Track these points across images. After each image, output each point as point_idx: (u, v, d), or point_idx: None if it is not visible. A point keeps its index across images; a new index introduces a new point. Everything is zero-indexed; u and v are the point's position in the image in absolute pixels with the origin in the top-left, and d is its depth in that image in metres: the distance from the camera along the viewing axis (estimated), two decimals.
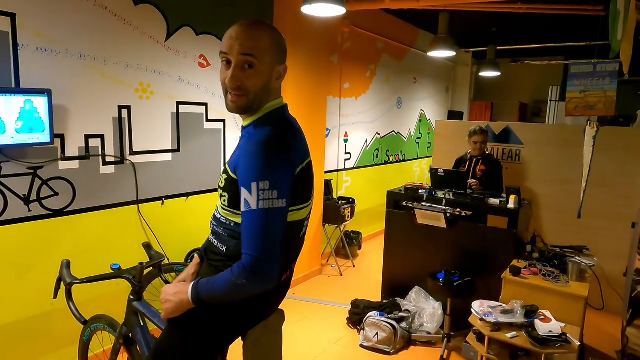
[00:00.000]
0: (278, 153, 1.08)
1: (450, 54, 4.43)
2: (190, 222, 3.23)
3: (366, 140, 5.36)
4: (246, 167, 1.06)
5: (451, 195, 3.31)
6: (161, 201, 3.01)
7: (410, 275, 3.43)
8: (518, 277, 2.63)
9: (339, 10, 2.78)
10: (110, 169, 2.70)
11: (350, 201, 4.56)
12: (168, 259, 3.05)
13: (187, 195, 3.18)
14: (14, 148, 2.24)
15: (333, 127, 4.74)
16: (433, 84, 6.94)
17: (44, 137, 2.29)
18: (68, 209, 2.51)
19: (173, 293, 1.19)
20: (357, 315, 3.32)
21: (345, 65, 4.78)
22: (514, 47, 6.46)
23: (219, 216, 1.24)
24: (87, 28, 2.49)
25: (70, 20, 2.41)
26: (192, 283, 1.16)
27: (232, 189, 1.13)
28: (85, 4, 2.47)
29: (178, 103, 3.04)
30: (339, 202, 4.51)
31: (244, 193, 1.05)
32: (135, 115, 2.79)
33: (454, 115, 7.50)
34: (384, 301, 3.40)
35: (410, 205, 3.25)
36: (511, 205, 3.04)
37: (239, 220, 1.14)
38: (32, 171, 2.34)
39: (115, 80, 2.66)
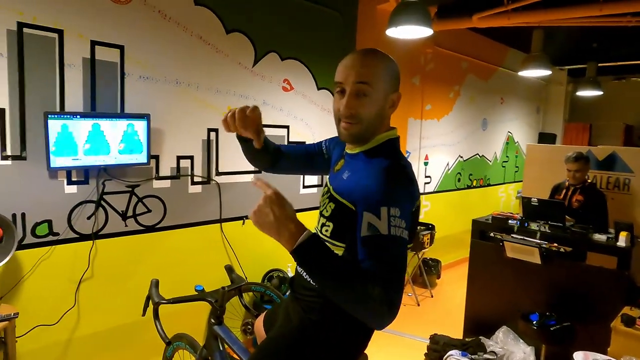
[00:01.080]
0: (404, 184, 1.05)
1: (545, 72, 4.11)
2: (268, 243, 3.26)
3: (448, 163, 5.12)
4: (373, 191, 1.01)
5: (547, 227, 3.00)
6: (242, 220, 3.09)
7: (497, 312, 3.14)
8: (632, 328, 2.28)
9: (426, 32, 2.70)
10: (198, 188, 2.83)
11: (429, 227, 4.36)
12: (246, 278, 3.11)
13: None
14: (116, 168, 2.43)
15: (413, 150, 4.60)
16: (522, 104, 6.49)
17: (141, 158, 2.46)
18: (159, 225, 2.67)
19: (286, 216, 1.02)
20: (437, 352, 3.10)
21: (427, 87, 4.64)
22: (619, 63, 5.84)
23: None
24: (183, 57, 2.66)
25: (169, 50, 2.59)
26: (314, 232, 1.05)
27: (339, 219, 1.12)
28: (183, 35, 2.65)
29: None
30: (418, 227, 4.32)
31: (368, 217, 0.97)
32: (222, 137, 2.91)
33: (545, 137, 6.94)
34: (467, 339, 3.15)
35: (498, 236, 3.00)
36: (622, 243, 2.68)
37: (340, 252, 1.11)
38: (130, 189, 2.53)
39: (206, 104, 2.80)
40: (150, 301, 1.55)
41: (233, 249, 3.04)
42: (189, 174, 2.78)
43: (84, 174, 2.35)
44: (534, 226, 3.03)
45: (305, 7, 3.31)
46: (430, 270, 4.66)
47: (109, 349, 2.52)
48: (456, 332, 3.37)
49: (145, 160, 2.47)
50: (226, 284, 1.75)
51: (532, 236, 2.94)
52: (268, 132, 3.17)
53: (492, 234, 3.08)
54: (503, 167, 6.24)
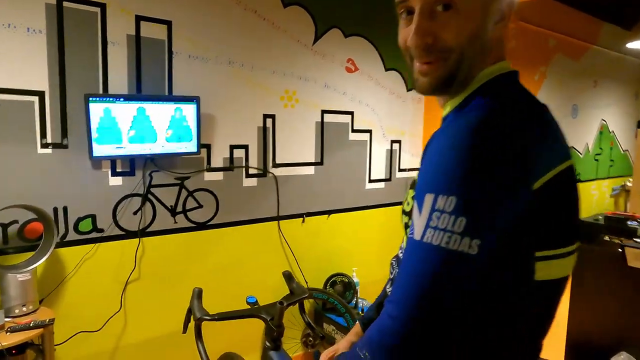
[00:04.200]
0: (491, 152, 0.57)
1: None
2: (330, 244, 2.91)
3: None
4: (426, 170, 0.62)
5: None
6: (302, 218, 2.75)
7: (612, 334, 2.54)
8: None
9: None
10: (253, 181, 2.53)
11: None
12: (307, 284, 2.77)
13: (328, 212, 2.88)
14: (164, 158, 2.19)
15: None
16: (619, 88, 5.62)
17: (191, 146, 2.19)
18: (211, 222, 2.40)
19: None
20: None
21: None
22: None
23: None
24: (236, 34, 2.37)
25: (220, 26, 2.31)
26: None
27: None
28: (236, 9, 2.35)
29: (323, 112, 2.78)
30: None
31: (414, 210, 0.61)
32: (280, 124, 2.59)
33: None
34: None
35: (616, 241, 2.41)
36: None
37: None
38: (179, 182, 2.27)
39: (261, 87, 2.50)
40: (192, 316, 1.23)
41: (292, 250, 2.71)
42: (243, 165, 2.48)
43: (130, 165, 2.12)
44: None
45: None
46: None
47: (159, 358, 2.28)
48: (556, 355, 2.81)
49: (195, 150, 2.20)
50: (284, 292, 1.40)
51: None
52: (330, 118, 2.81)
53: (606, 238, 2.50)
54: (596, 160, 5.43)
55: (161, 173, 2.21)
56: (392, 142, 3.19)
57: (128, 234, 2.14)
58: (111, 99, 1.95)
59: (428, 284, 0.55)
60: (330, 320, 2.70)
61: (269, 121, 2.55)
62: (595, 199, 5.51)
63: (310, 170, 2.76)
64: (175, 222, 2.28)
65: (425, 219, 0.57)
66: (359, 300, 2.84)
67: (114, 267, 2.12)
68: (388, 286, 0.90)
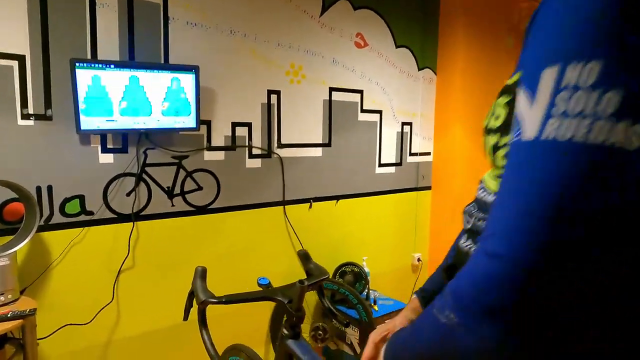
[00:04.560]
0: None
1: None
2: (339, 231, 2.72)
3: None
4: (540, 37, 0.41)
5: None
6: (309, 203, 2.56)
7: None
8: None
9: None
10: (257, 162, 2.33)
11: None
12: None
13: (337, 198, 2.69)
14: (160, 133, 1.99)
15: None
16: None
17: (189, 121, 1.99)
18: (212, 206, 2.20)
19: None
20: None
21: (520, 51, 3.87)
22: None
23: (488, 198, 0.63)
24: (238, 1, 2.17)
25: None
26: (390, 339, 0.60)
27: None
28: None
29: (331, 89, 2.58)
30: None
31: (520, 102, 0.41)
32: (285, 101, 2.40)
33: None
34: None
35: None
36: None
37: None
38: (177, 161, 2.07)
39: (265, 60, 2.30)
40: (195, 299, 1.04)
41: (299, 238, 2.52)
42: (246, 144, 2.29)
43: (122, 140, 1.92)
44: None
45: None
46: None
47: (156, 355, 2.09)
48: None
49: (194, 125, 2.00)
50: (291, 280, 1.21)
51: None
52: (338, 97, 2.62)
53: None
54: None
55: (157, 151, 2.01)
56: (403, 124, 3.00)
57: (120, 218, 1.94)
58: (100, 66, 1.75)
59: (557, 200, 0.35)
60: (340, 312, 2.51)
61: (273, 98, 2.36)
62: None
63: (318, 152, 2.57)
64: (173, 205, 2.08)
65: (545, 106, 0.37)
66: (371, 291, 2.66)
67: (105, 254, 1.92)
68: (463, 240, 0.70)
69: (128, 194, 1.95)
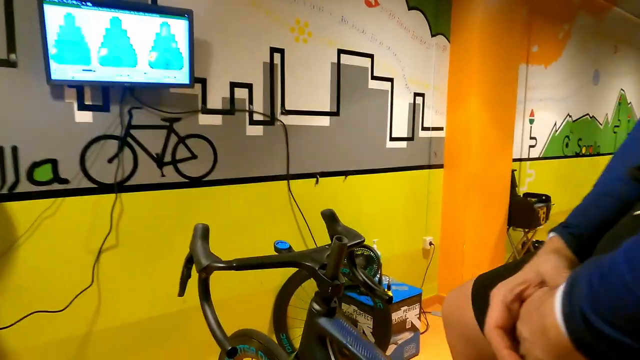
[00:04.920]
0: None
1: None
2: (349, 210, 2.46)
3: (555, 123, 4.09)
4: None
5: None
6: (316, 178, 2.30)
7: None
8: None
9: None
10: (258, 129, 2.06)
11: (543, 199, 3.38)
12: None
13: (345, 173, 2.43)
14: (146, 89, 1.71)
15: (517, 102, 3.62)
16: (637, 56, 5.28)
17: (182, 77, 1.71)
18: (207, 178, 1.92)
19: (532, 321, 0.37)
20: None
21: (535, 21, 3.65)
22: None
23: None
24: None
25: None
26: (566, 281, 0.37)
27: None
28: None
29: (340, 51, 2.32)
30: (530, 199, 3.36)
31: None
32: (290, 62, 2.13)
33: None
34: None
35: None
36: None
37: None
38: (168, 124, 1.79)
39: (267, 13, 2.02)
40: (195, 266, 0.77)
41: (303, 215, 2.25)
42: (247, 108, 2.01)
43: (102, 96, 1.63)
44: None
45: None
46: None
47: (143, 349, 1.81)
48: None
49: (187, 82, 1.72)
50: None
51: None
52: (347, 60, 2.35)
53: None
54: (614, 132, 5.09)
55: (144, 111, 1.73)
56: (415, 95, 2.75)
57: (102, 188, 1.66)
58: (74, 2, 1.46)
59: None
60: (351, 299, 2.26)
61: (276, 57, 2.08)
62: None
63: (325, 121, 2.31)
64: (163, 176, 1.80)
65: None
66: (383, 277, 2.41)
67: (84, 230, 1.64)
68: None
69: (110, 160, 1.67)
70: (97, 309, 1.68)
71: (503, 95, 3.03)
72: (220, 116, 1.93)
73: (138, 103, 1.70)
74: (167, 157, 1.81)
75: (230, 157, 1.98)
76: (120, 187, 1.69)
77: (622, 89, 5.09)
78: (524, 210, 3.21)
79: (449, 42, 2.89)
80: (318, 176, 2.30)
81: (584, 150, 4.55)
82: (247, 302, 2.10)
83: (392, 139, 2.65)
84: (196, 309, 1.95)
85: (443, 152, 2.99)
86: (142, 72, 1.62)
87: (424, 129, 2.83)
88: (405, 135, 2.72)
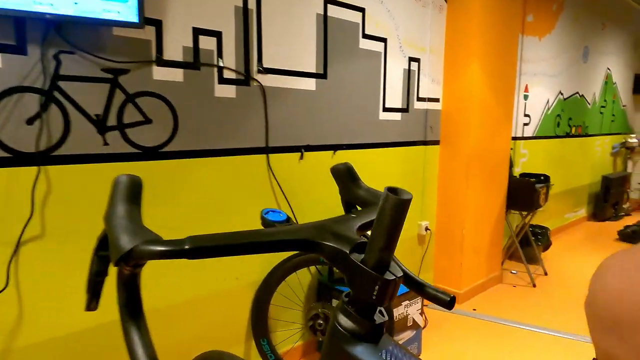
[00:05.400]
0: None
1: None
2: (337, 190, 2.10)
3: (548, 101, 3.86)
4: None
5: None
6: (300, 153, 1.93)
7: None
8: None
9: None
10: (230, 90, 1.67)
11: (542, 179, 3.13)
12: None
13: (334, 148, 2.07)
14: (79, 27, 1.29)
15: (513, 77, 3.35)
16: (622, 35, 5.14)
17: (127, 12, 1.30)
18: (166, 149, 1.52)
19: None
20: None
21: None
22: None
23: None
24: None
25: None
26: None
27: None
28: None
29: (326, 0, 1.95)
30: (531, 179, 3.10)
31: None
32: (268, 8, 1.74)
33: None
34: None
35: None
36: None
37: None
38: (111, 76, 1.38)
39: None
40: (110, 253, 0.39)
41: (285, 196, 1.89)
42: (215, 63, 1.62)
43: (15, 32, 1.20)
44: None
45: None
46: (536, 239, 3.45)
47: None
48: None
49: (134, 19, 1.31)
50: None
51: None
52: (335, 12, 1.97)
53: None
54: (601, 113, 4.94)
55: (77, 57, 1.31)
56: (411, 59, 2.41)
57: (18, 158, 1.24)
58: None
59: None
60: (342, 294, 1.91)
61: (251, 0, 1.69)
62: (598, 155, 5.04)
63: (311, 84, 1.94)
64: (107, 144, 1.39)
65: None
66: None
67: None
68: None
69: (30, 122, 1.25)
70: (17, 319, 1.26)
71: (503, 63, 2.74)
72: (181, 70, 1.53)
73: (68, 45, 1.28)
74: (112, 120, 1.39)
75: (195, 124, 1.58)
76: (44, 157, 1.27)
77: (608, 68, 4.94)
78: (524, 192, 2.95)
79: (446, 1, 2.57)
80: (303, 150, 1.93)
81: (573, 131, 4.36)
82: (217, 304, 1.72)
83: (385, 109, 2.31)
84: (151, 313, 1.56)
85: (439, 127, 2.67)
86: (71, 1, 1.20)
87: (419, 99, 2.50)
88: (399, 105, 2.39)
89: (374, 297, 0.40)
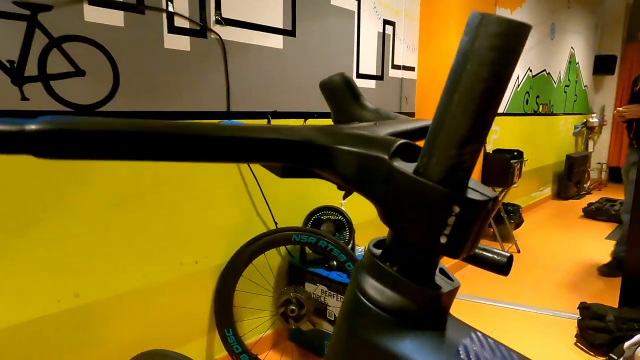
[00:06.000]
0: None
1: None
2: None
3: (517, 77, 3.80)
4: None
5: None
6: (267, 119, 1.70)
7: None
8: None
9: None
10: (183, 42, 1.42)
11: (515, 154, 3.06)
12: (277, 225, 1.76)
13: (305, 116, 1.86)
14: None
15: None
16: (585, 15, 5.18)
17: None
18: (104, 108, 1.26)
19: None
20: (603, 332, 1.85)
21: None
22: None
23: None
24: None
25: None
26: None
27: None
28: None
29: None
30: (506, 155, 3.01)
31: None
32: None
33: (602, 62, 5.68)
34: None
35: None
36: None
37: None
38: (28, 12, 1.10)
39: None
40: None
41: (254, 173, 1.66)
42: (164, 7, 1.36)
43: None
44: None
45: None
46: (509, 217, 3.40)
47: None
48: (587, 297, 2.14)
49: None
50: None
51: None
52: None
53: None
54: (565, 92, 4.97)
55: None
56: (385, 22, 2.22)
57: None
58: None
59: None
60: (316, 276, 1.73)
61: None
62: (562, 135, 5.09)
63: (278, 41, 1.71)
64: (25, 99, 1.12)
65: None
66: (356, 247, 1.90)
67: None
68: None
69: None
70: None
71: None
72: (120, 13, 1.26)
73: None
74: (32, 70, 1.12)
75: (141, 80, 1.33)
76: None
77: (572, 47, 4.96)
78: (499, 167, 2.86)
79: None
80: (270, 116, 1.71)
81: (540, 109, 4.35)
82: (172, 293, 1.49)
83: (359, 75, 2.11)
84: (98, 304, 1.31)
85: (414, 98, 2.52)
86: None
87: (394, 66, 2.33)
88: (374, 72, 2.20)
89: (443, 239, 0.21)
